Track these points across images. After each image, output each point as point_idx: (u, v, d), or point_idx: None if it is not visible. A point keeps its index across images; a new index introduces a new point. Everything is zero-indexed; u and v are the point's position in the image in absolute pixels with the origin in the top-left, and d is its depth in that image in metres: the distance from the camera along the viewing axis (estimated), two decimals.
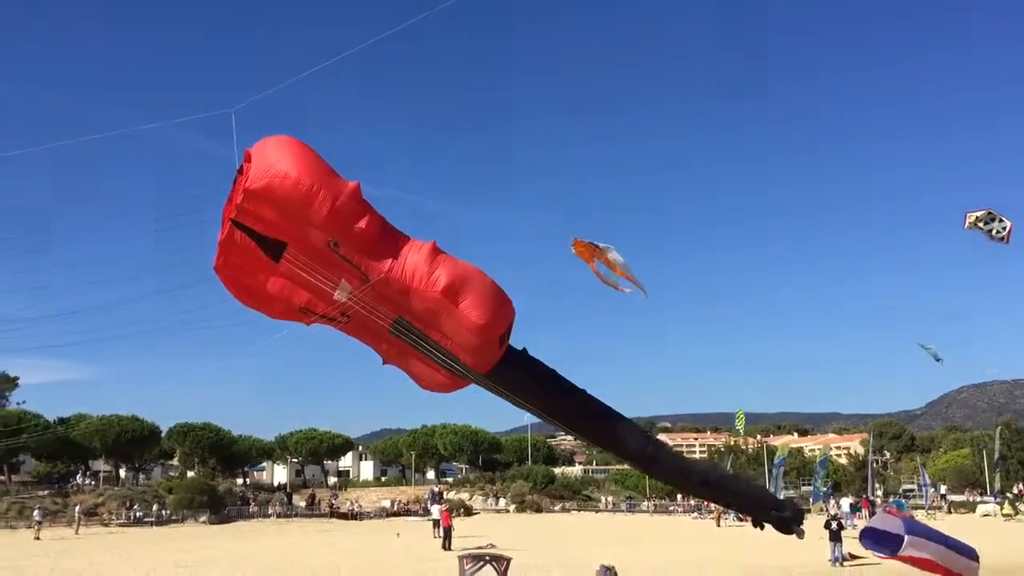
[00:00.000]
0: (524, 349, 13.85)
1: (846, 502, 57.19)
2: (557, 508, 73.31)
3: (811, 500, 66.21)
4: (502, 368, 13.50)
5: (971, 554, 18.71)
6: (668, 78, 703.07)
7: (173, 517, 58.09)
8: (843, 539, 28.32)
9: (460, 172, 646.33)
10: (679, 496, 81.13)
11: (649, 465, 16.13)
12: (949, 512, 67.67)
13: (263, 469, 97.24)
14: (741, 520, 57.08)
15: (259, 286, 13.47)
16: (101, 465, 73.72)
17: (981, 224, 19.54)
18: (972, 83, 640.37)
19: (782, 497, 54.89)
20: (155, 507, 58.29)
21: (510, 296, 12.74)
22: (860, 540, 18.62)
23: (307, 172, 12.40)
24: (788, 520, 15.43)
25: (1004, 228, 19.47)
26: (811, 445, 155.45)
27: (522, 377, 13.99)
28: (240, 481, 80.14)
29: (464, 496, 72.46)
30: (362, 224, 13.13)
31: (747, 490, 16.99)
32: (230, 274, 13.14)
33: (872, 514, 60.88)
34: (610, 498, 79.45)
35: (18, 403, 71.32)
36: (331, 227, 12.98)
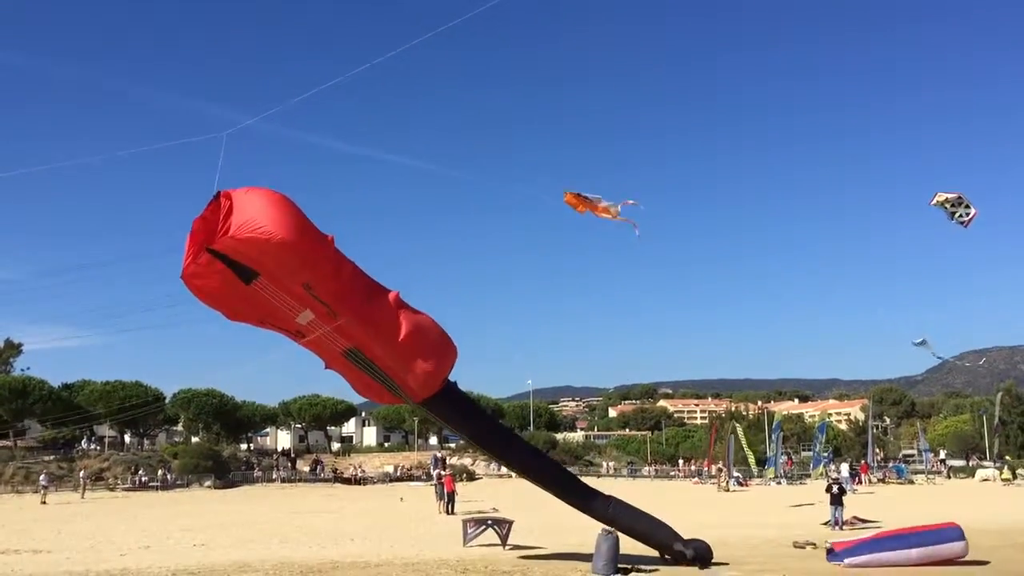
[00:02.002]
0: (455, 383, 17.25)
1: (845, 467, 57.52)
2: None
3: (812, 465, 66.73)
4: (434, 399, 16.70)
5: (952, 536, 18.87)
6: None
7: (178, 482, 58.61)
8: (844, 503, 28.48)
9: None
10: (680, 461, 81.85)
11: (547, 484, 19.23)
12: (948, 477, 68.12)
13: (267, 435, 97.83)
14: (742, 485, 57.74)
15: (224, 296, 14.58)
16: (106, 431, 74.24)
17: (948, 205, 19.83)
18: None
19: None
20: (160, 472, 58.76)
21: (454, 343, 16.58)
22: (827, 557, 19.11)
23: (288, 230, 13.71)
24: (692, 559, 17.61)
25: (968, 214, 19.77)
26: (811, 411, 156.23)
27: (447, 404, 17.53)
28: (244, 447, 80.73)
29: (467, 461, 72.92)
30: (335, 273, 14.77)
31: (639, 528, 18.67)
32: (198, 284, 14.15)
33: (872, 479, 61.60)
34: (612, 463, 80.00)
35: (23, 369, 71.70)
36: (307, 275, 14.31)
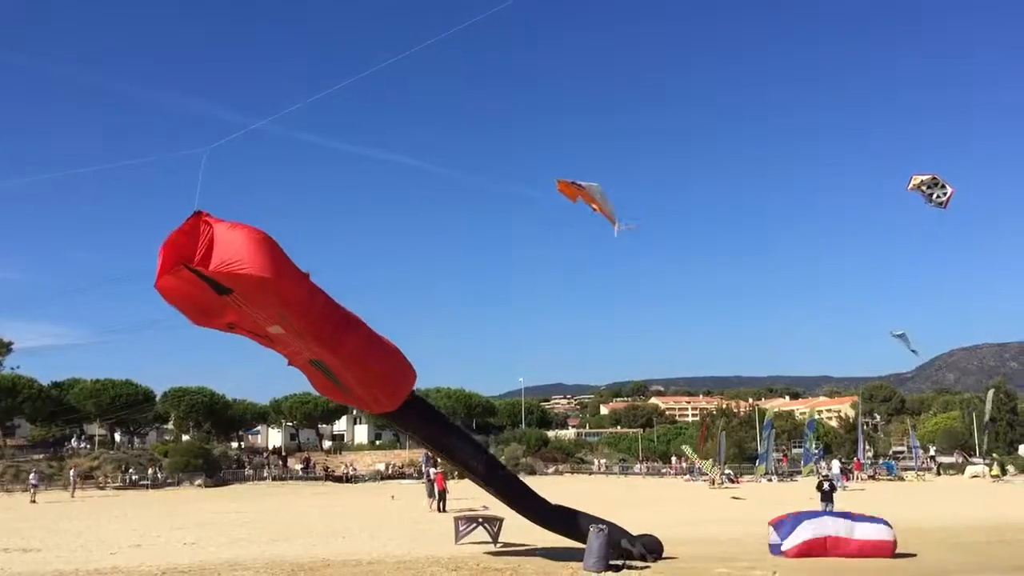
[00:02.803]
0: (419, 397, 18.57)
1: (836, 464, 57.72)
2: (551, 471, 73.92)
3: (802, 462, 66.97)
4: (394, 413, 17.81)
5: (882, 534, 19.47)
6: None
7: (168, 480, 58.45)
8: (834, 500, 28.61)
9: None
10: (673, 459, 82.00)
11: (493, 485, 20.08)
12: (938, 474, 68.39)
13: (258, 433, 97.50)
14: (734, 482, 57.87)
15: (193, 300, 14.91)
16: (96, 429, 73.95)
17: (924, 188, 19.99)
18: None
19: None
20: (151, 471, 58.57)
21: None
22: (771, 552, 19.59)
23: (268, 272, 14.09)
24: (640, 555, 18.56)
25: (944, 194, 19.96)
26: (802, 408, 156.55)
27: (408, 417, 18.51)
28: (235, 445, 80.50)
29: None
30: (307, 310, 15.13)
31: (576, 526, 19.53)
32: (168, 285, 14.41)
33: (864, 476, 61.86)
34: (603, 461, 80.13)
35: (12, 368, 71.27)
36: (281, 311, 14.73)
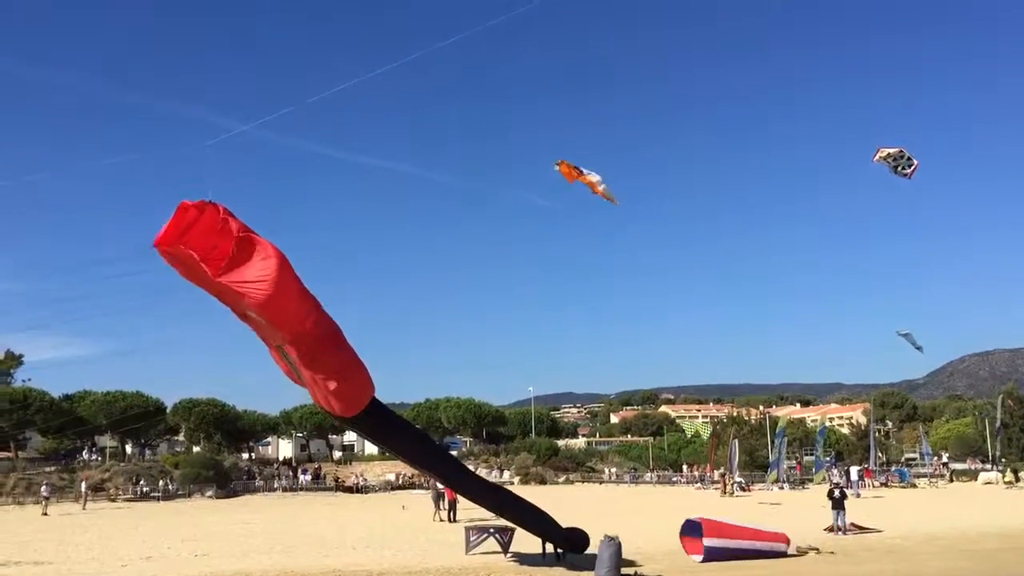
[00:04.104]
0: (378, 402, 18.56)
1: (855, 470, 57.31)
2: (561, 480, 73.77)
3: (813, 470, 66.65)
4: (350, 419, 18.30)
5: (778, 538, 21.35)
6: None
7: (179, 492, 58.54)
8: (846, 508, 28.45)
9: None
10: (684, 467, 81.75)
11: (462, 487, 21.72)
12: (951, 481, 67.99)
13: (268, 444, 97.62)
14: (745, 490, 57.65)
15: (188, 268, 14.86)
16: (107, 441, 74.14)
17: (890, 160, 20.22)
18: None
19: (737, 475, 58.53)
20: (161, 482, 58.69)
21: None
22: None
23: (284, 296, 14.00)
24: (569, 546, 20.10)
25: (911, 165, 20.18)
26: (813, 416, 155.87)
27: (366, 423, 18.97)
28: (245, 456, 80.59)
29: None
30: (307, 334, 15.14)
31: (534, 517, 20.98)
32: (167, 253, 14.32)
33: (875, 483, 61.54)
34: (614, 469, 79.94)
35: (23, 380, 71.69)
36: (281, 331, 14.84)
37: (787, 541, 21.46)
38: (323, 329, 15.76)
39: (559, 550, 20.82)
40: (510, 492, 22.82)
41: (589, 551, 19.44)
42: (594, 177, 19.93)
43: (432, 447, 21.68)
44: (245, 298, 13.98)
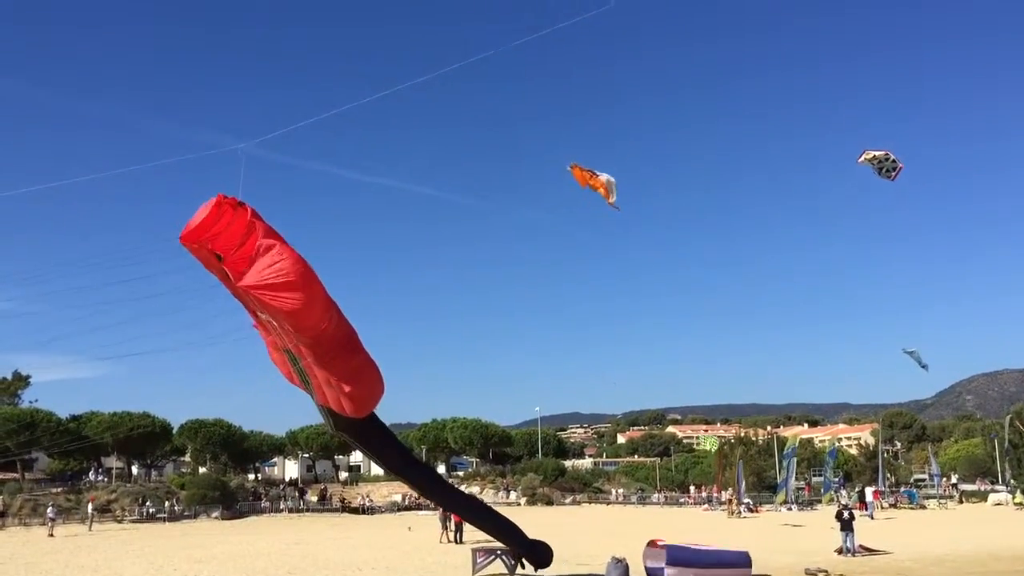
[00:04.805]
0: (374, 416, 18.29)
1: (870, 491, 56.89)
2: (568, 501, 73.47)
3: (822, 490, 66.25)
4: (351, 426, 17.77)
5: (741, 561, 20.70)
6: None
7: (186, 513, 58.42)
8: (854, 529, 28.29)
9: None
10: (691, 488, 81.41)
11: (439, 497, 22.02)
12: (960, 502, 67.52)
13: (274, 464, 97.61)
14: (752, 511, 57.37)
15: (206, 261, 14.50)
16: (113, 462, 74.08)
17: (875, 163, 20.35)
18: None
19: (745, 497, 58.38)
20: (168, 503, 58.61)
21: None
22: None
23: (311, 304, 13.87)
24: (534, 560, 20.01)
25: (895, 168, 20.28)
26: (821, 436, 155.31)
27: (358, 428, 18.23)
28: (252, 477, 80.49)
29: (475, 490, 72.59)
30: (326, 340, 14.77)
31: (502, 525, 21.01)
32: (191, 246, 13.94)
33: (884, 504, 61.14)
34: (621, 490, 79.62)
35: (30, 401, 71.77)
36: (299, 337, 14.52)
37: (748, 564, 20.98)
38: (343, 331, 15.57)
39: (522, 561, 20.96)
40: (483, 503, 23.08)
41: (598, 572, 19.40)
42: (607, 178, 19.94)
43: (413, 458, 21.94)
44: (271, 308, 13.65)
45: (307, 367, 15.83)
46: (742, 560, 20.78)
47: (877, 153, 20.33)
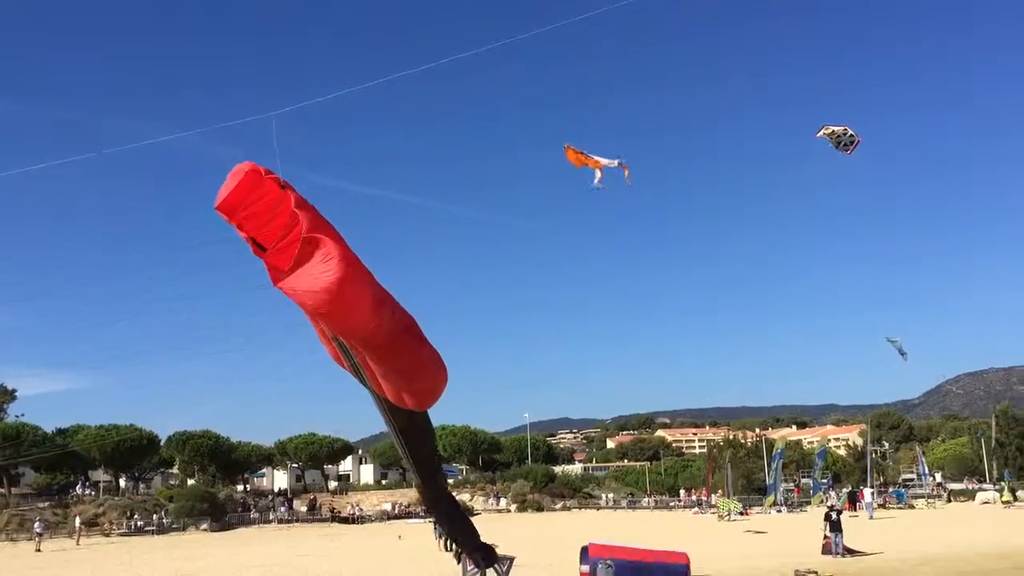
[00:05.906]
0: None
1: (869, 491, 57.07)
2: (558, 507, 73.44)
3: (811, 492, 66.48)
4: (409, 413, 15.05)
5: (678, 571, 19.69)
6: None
7: (174, 525, 58.08)
8: (843, 530, 28.41)
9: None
10: (681, 492, 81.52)
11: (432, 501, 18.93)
12: (949, 501, 67.91)
13: (263, 475, 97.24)
14: (743, 514, 57.44)
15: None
16: (101, 475, 73.61)
17: (833, 137, 20.65)
18: None
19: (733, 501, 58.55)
20: (156, 516, 58.28)
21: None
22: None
23: (347, 304, 11.98)
24: (480, 561, 17.83)
25: (852, 142, 20.59)
26: (809, 437, 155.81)
27: (407, 417, 15.45)
28: (240, 488, 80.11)
29: (465, 497, 72.46)
30: (382, 335, 13.76)
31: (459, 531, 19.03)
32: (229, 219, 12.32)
33: (872, 504, 61.34)
34: (611, 495, 79.66)
35: (16, 416, 71.22)
36: (348, 337, 13.23)
37: (687, 561, 20.42)
38: (400, 324, 13.16)
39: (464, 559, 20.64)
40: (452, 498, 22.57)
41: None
42: (603, 160, 19.78)
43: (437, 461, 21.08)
44: (307, 311, 11.95)
45: (361, 362, 13.81)
46: (678, 557, 19.92)
47: (836, 128, 20.58)
